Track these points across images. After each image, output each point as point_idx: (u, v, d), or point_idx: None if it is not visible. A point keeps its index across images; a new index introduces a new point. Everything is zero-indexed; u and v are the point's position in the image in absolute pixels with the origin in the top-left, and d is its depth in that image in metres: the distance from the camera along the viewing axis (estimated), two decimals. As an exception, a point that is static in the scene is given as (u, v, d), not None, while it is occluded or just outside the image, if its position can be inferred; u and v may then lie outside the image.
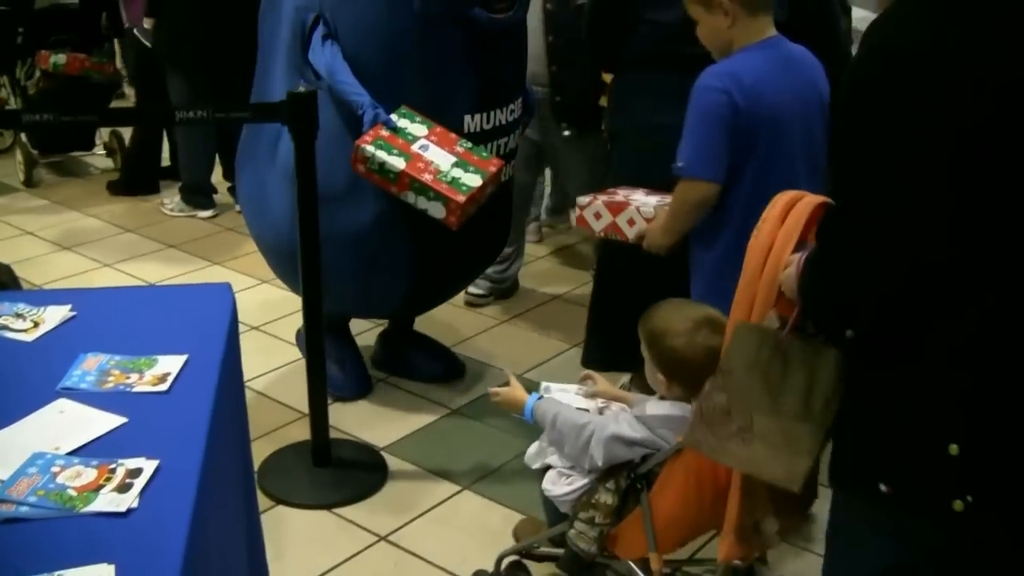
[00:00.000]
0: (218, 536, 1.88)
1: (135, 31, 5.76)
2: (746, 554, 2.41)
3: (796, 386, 1.99)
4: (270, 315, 4.47)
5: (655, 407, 2.48)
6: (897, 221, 1.59)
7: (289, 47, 3.39)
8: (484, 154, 3.32)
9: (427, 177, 3.12)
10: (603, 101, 4.25)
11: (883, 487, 1.71)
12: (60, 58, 6.03)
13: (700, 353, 2.35)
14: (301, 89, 3.06)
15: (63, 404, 1.94)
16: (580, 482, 2.54)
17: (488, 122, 3.45)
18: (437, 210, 3.15)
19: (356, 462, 3.47)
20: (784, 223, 2.05)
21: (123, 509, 1.61)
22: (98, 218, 5.78)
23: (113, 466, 1.72)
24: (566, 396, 2.69)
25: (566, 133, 4.31)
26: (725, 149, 2.75)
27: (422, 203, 3.16)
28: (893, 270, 1.61)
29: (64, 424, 1.87)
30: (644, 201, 3.01)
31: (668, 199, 2.91)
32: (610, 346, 3.57)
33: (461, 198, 3.12)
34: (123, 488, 1.66)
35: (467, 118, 3.39)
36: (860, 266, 1.64)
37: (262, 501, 3.07)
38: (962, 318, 1.62)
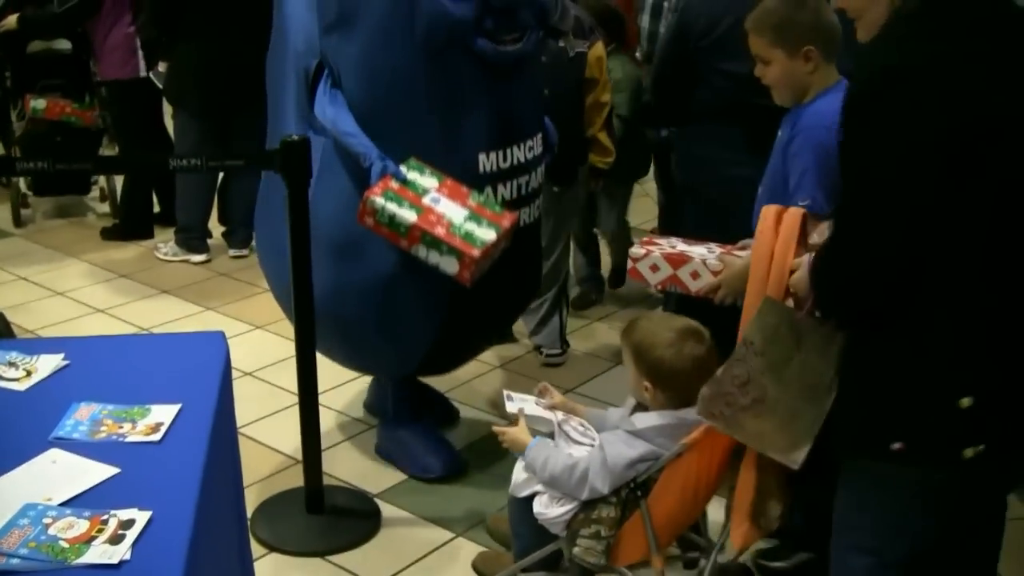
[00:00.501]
0: (211, 587, 1.87)
1: (150, 74, 5.83)
2: (756, 538, 2.55)
3: (807, 365, 2.23)
4: (264, 361, 4.46)
5: (645, 419, 2.56)
6: (899, 211, 1.87)
7: (296, 95, 3.34)
8: (497, 208, 3.21)
9: (440, 231, 3.00)
10: (594, 159, 4.34)
11: (895, 445, 1.97)
12: (40, 103, 6.08)
13: (687, 363, 2.52)
14: (294, 137, 3.06)
15: (55, 454, 1.93)
16: (572, 503, 2.62)
17: (505, 160, 3.33)
18: (449, 265, 3.03)
19: (350, 509, 3.45)
20: (779, 233, 2.28)
21: (115, 561, 1.61)
22: (91, 263, 5.78)
23: (105, 517, 1.71)
24: (528, 406, 2.81)
25: (554, 189, 4.20)
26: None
27: (434, 257, 3.03)
28: (901, 251, 1.90)
29: (56, 474, 1.87)
30: (703, 254, 2.91)
31: (722, 249, 2.86)
32: None
33: (476, 252, 2.99)
34: (115, 540, 1.65)
35: (482, 156, 3.27)
36: (872, 248, 1.91)
37: (255, 549, 3.06)
38: (966, 288, 1.91)
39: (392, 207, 3.01)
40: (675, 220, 3.75)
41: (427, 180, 3.13)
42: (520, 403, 2.82)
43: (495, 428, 2.79)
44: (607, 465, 2.54)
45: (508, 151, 3.33)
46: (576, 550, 2.60)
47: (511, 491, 2.76)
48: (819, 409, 2.24)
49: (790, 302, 2.34)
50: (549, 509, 2.66)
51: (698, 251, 2.90)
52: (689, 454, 2.49)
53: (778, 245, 2.29)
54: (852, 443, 2.09)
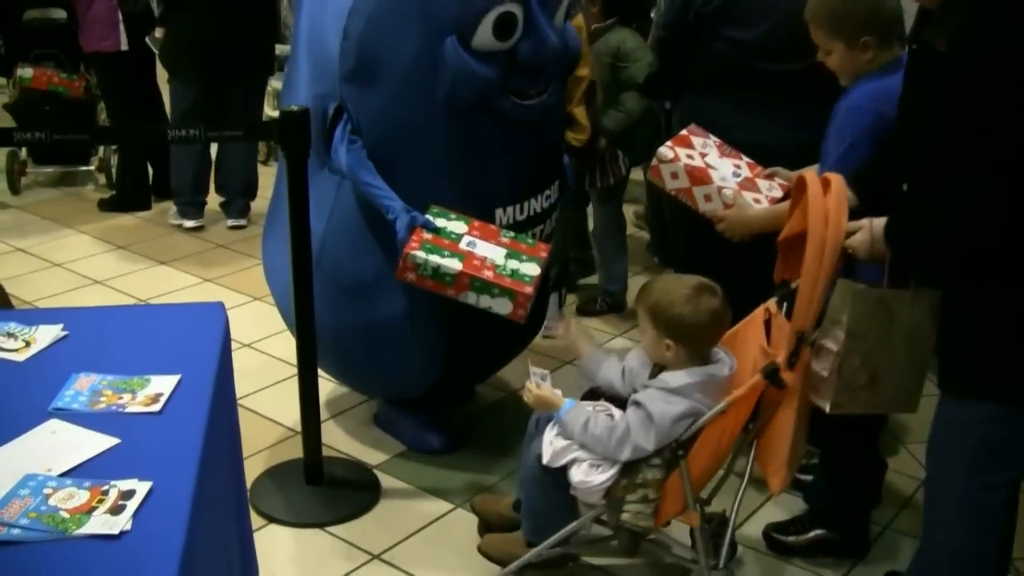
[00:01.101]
0: (211, 557, 1.88)
1: (147, 40, 5.81)
2: (790, 480, 2.68)
3: (905, 328, 2.43)
4: (263, 332, 4.46)
5: (677, 377, 2.62)
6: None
7: (314, 133, 3.17)
8: (529, 240, 3.16)
9: (488, 274, 2.93)
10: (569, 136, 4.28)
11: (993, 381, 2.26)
12: (27, 72, 6.07)
13: (705, 316, 2.60)
14: (293, 108, 3.05)
15: (55, 425, 1.93)
16: (612, 469, 2.63)
17: (522, 213, 3.29)
18: (502, 306, 2.94)
19: (349, 480, 3.46)
20: (829, 197, 2.39)
21: (116, 531, 1.61)
22: (89, 234, 5.77)
23: (106, 488, 1.71)
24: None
25: None
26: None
27: (485, 301, 2.94)
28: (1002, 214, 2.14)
29: (56, 445, 1.87)
30: (725, 177, 3.00)
31: (751, 171, 2.96)
32: None
33: (528, 289, 2.93)
34: (116, 510, 1.66)
35: (499, 211, 3.23)
36: (978, 212, 2.16)
37: (255, 520, 3.06)
38: None
39: (435, 259, 2.92)
40: None
41: (456, 225, 3.06)
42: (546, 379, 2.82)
43: (527, 385, 2.74)
44: (653, 422, 2.57)
45: (526, 204, 3.30)
46: (625, 516, 2.64)
47: (548, 461, 2.70)
48: (926, 354, 2.48)
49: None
50: (591, 476, 2.64)
51: (723, 170, 2.94)
52: (730, 410, 2.59)
53: (832, 211, 2.38)
54: (959, 382, 2.34)
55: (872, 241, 2.40)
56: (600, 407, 2.78)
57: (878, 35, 2.82)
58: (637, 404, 2.63)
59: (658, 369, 2.73)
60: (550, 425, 2.75)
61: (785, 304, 2.70)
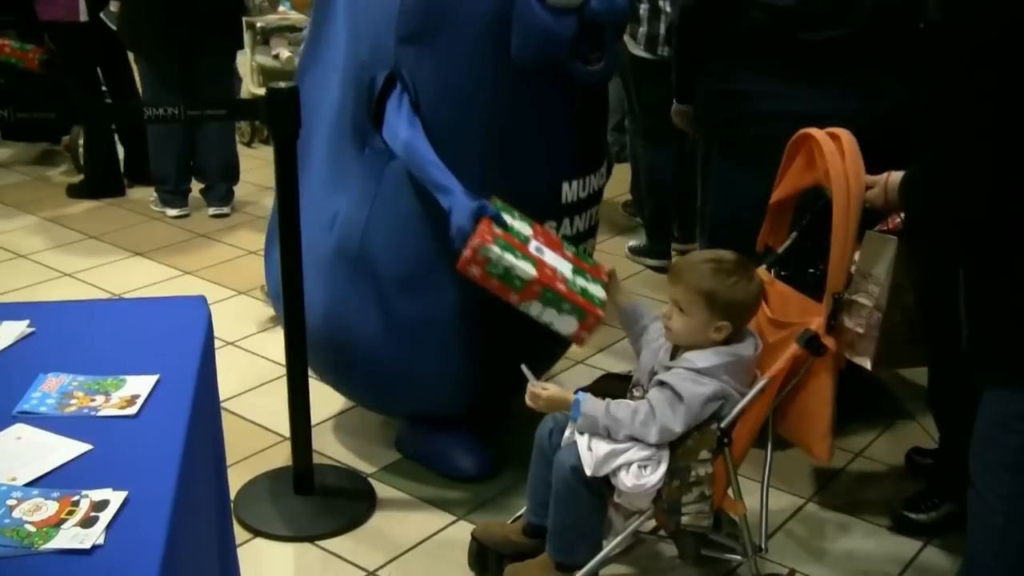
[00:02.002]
0: (191, 573, 1.86)
1: (101, 15, 5.78)
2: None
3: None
4: (247, 329, 4.47)
5: (705, 357, 2.69)
6: None
7: (346, 108, 3.22)
8: (589, 260, 3.15)
9: (561, 287, 2.84)
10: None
11: None
12: None
13: (756, 293, 2.76)
14: (281, 85, 3.04)
15: (20, 430, 1.93)
16: (661, 467, 2.68)
17: (584, 189, 3.29)
18: (567, 324, 2.86)
19: (341, 490, 3.46)
20: (845, 155, 2.60)
21: (88, 546, 1.60)
22: (57, 223, 5.77)
23: (76, 498, 1.70)
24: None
25: None
26: None
27: (549, 316, 2.85)
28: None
29: (22, 452, 1.86)
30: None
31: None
32: None
33: (600, 312, 2.86)
34: (87, 523, 1.64)
35: (565, 186, 3.23)
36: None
37: (239, 533, 3.06)
38: None
39: (508, 258, 2.81)
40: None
41: (521, 225, 3.01)
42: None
43: (530, 388, 2.74)
44: (683, 403, 2.64)
45: (587, 179, 3.31)
46: (685, 519, 2.70)
47: (593, 472, 2.69)
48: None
49: None
50: (642, 479, 2.66)
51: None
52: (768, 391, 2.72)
53: (851, 170, 2.58)
54: (997, 374, 2.38)
55: (886, 195, 2.60)
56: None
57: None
58: (662, 384, 2.68)
59: (682, 350, 2.77)
60: (572, 431, 2.74)
61: (775, 269, 2.96)
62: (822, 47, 3.28)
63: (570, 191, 3.25)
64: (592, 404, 2.69)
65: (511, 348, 3.25)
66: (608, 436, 2.68)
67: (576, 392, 2.74)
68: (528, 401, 2.77)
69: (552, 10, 3.00)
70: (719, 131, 3.62)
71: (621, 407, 2.68)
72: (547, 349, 3.58)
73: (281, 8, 7.38)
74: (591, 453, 2.69)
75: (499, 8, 2.99)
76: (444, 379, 3.40)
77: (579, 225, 3.32)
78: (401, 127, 3.08)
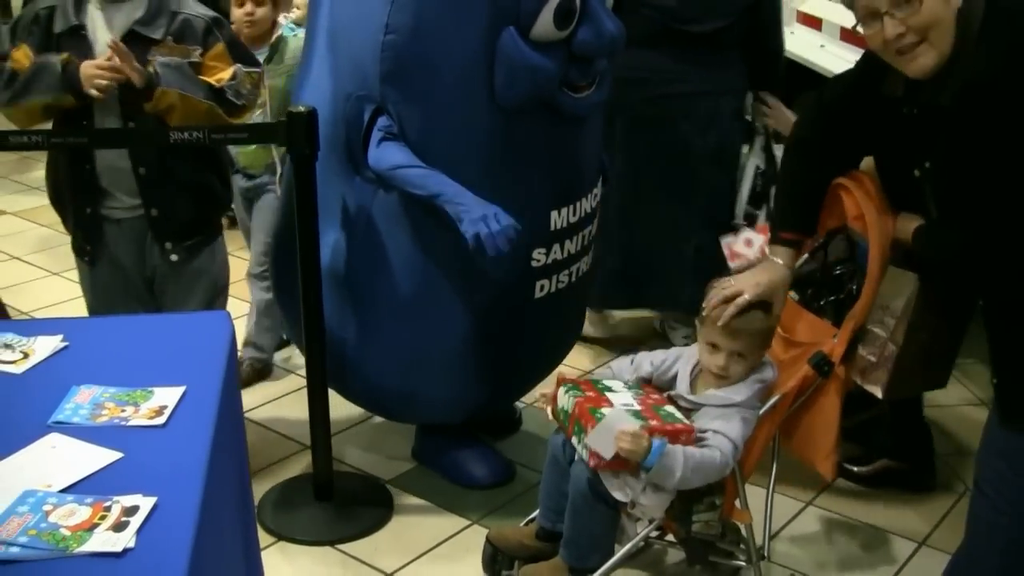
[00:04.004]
0: (217, 575, 1.87)
1: None
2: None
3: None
4: (269, 342, 4.47)
5: (740, 391, 2.73)
6: None
7: (337, 137, 3.12)
8: (673, 420, 2.74)
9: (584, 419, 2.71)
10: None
11: None
12: None
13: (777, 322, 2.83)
14: (301, 108, 3.05)
15: (55, 439, 1.94)
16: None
17: (574, 214, 3.20)
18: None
19: (360, 496, 3.47)
20: (873, 199, 2.67)
21: (119, 549, 1.60)
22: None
23: (108, 504, 1.71)
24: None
25: None
26: None
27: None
28: None
29: (56, 460, 1.87)
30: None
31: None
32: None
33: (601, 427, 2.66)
34: (119, 527, 1.65)
35: (554, 214, 3.14)
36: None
37: (263, 537, 3.06)
38: None
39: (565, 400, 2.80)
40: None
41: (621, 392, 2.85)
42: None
43: (622, 438, 2.58)
44: (738, 447, 2.68)
45: (577, 205, 3.22)
46: (696, 527, 2.74)
47: (654, 517, 2.73)
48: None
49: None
50: (655, 498, 2.67)
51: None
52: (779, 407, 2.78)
53: (884, 215, 2.65)
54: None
55: (895, 233, 2.62)
56: None
57: None
58: (719, 433, 2.67)
59: (718, 381, 2.77)
60: (633, 483, 2.67)
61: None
62: (705, 36, 3.84)
63: (559, 218, 3.17)
64: (671, 457, 2.58)
65: (511, 363, 3.33)
66: (666, 484, 2.64)
67: (654, 442, 2.59)
68: (625, 446, 2.58)
69: (537, 45, 2.91)
70: (624, 112, 3.88)
71: (698, 459, 2.61)
72: (548, 359, 3.58)
73: None
74: (655, 498, 2.68)
75: (482, 47, 2.91)
76: (443, 397, 3.37)
77: (570, 248, 3.25)
78: (389, 151, 2.99)
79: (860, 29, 2.39)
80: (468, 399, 3.40)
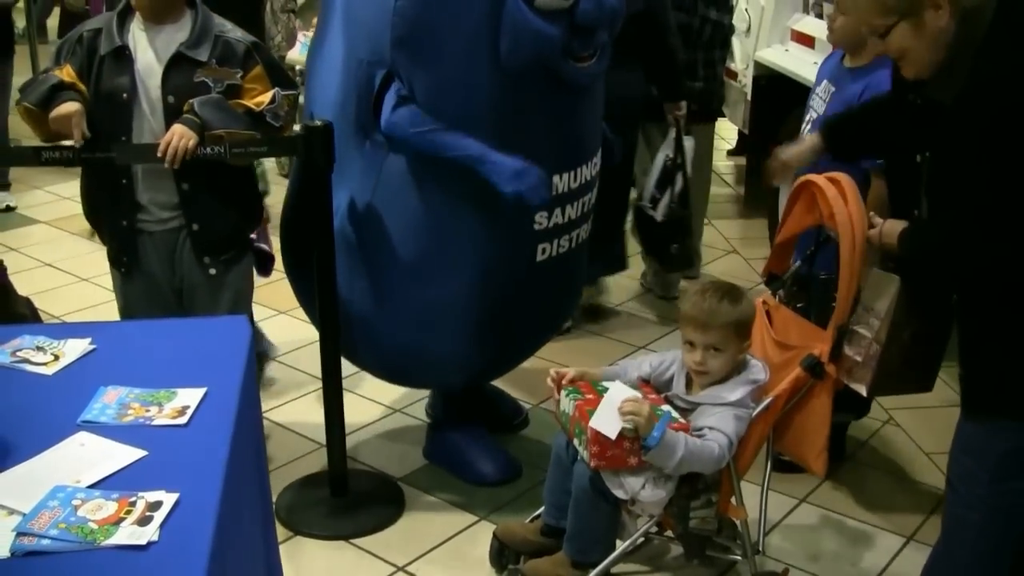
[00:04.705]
0: (237, 568, 1.89)
1: None
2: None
3: (930, 330, 2.64)
4: (288, 346, 4.49)
5: (732, 390, 2.74)
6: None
7: (349, 103, 3.14)
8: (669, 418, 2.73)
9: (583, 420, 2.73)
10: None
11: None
12: None
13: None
14: (317, 122, 3.07)
15: (83, 437, 1.96)
16: (673, 481, 2.72)
17: (575, 180, 3.22)
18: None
19: (373, 492, 3.48)
20: (849, 203, 2.66)
21: (143, 542, 1.63)
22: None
23: (133, 499, 1.73)
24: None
25: None
26: None
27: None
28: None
29: (85, 457, 1.89)
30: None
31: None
32: None
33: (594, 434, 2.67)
34: (143, 521, 1.68)
35: (556, 178, 3.15)
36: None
37: (280, 532, 3.09)
38: None
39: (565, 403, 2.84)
40: None
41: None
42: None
43: (628, 406, 2.61)
44: (733, 444, 2.69)
45: (579, 170, 3.24)
46: (693, 523, 2.77)
47: (654, 515, 2.76)
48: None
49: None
50: (655, 491, 2.69)
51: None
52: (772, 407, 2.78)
53: (855, 215, 2.65)
54: (980, 403, 2.36)
55: (882, 236, 2.58)
56: None
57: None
58: (715, 429, 2.69)
59: (701, 379, 2.79)
60: (632, 481, 2.69)
61: (780, 294, 3.01)
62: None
63: (561, 183, 3.19)
64: (673, 435, 2.61)
65: (513, 324, 3.34)
66: (666, 464, 2.64)
67: (659, 419, 2.62)
68: (630, 408, 2.61)
69: (541, 13, 2.93)
70: None
71: (697, 447, 2.64)
72: (548, 322, 3.60)
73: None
74: (654, 495, 2.70)
75: (488, 13, 2.92)
76: (449, 356, 3.36)
77: (571, 213, 3.26)
78: (404, 114, 3.02)
79: None
80: (473, 358, 3.39)
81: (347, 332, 3.30)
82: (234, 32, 3.20)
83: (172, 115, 3.06)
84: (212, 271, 3.29)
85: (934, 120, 2.38)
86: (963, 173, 2.28)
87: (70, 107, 2.93)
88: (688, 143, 4.72)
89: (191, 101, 3.02)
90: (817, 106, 3.45)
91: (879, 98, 2.94)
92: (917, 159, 2.53)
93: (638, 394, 2.70)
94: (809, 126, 3.45)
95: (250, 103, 3.10)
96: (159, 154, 2.95)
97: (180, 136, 2.94)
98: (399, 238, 3.19)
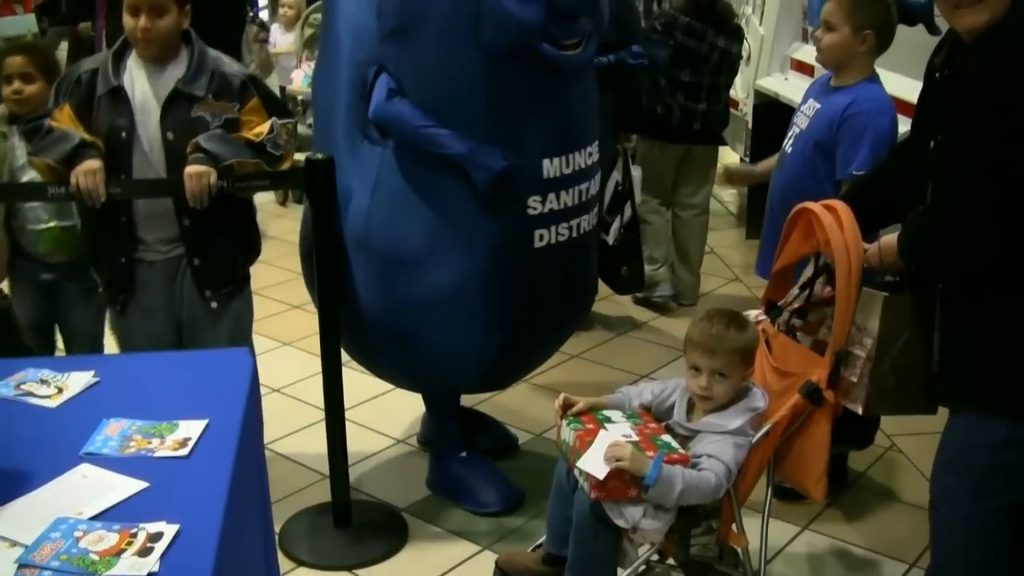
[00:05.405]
0: (238, 599, 1.91)
1: None
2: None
3: (922, 335, 2.60)
4: (292, 377, 4.51)
5: (732, 418, 2.74)
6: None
7: (350, 106, 3.27)
8: (668, 449, 2.73)
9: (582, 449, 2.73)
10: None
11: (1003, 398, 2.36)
12: None
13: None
14: (318, 156, 3.11)
15: (86, 469, 1.98)
16: (675, 509, 2.70)
17: (568, 166, 3.27)
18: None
19: (376, 523, 3.49)
20: (843, 227, 2.68)
21: (144, 573, 1.64)
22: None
23: (134, 530, 1.75)
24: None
25: None
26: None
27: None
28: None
29: (87, 489, 1.91)
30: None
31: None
32: None
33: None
34: (144, 552, 1.69)
35: (546, 162, 3.22)
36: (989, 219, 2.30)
37: (283, 563, 3.09)
38: None
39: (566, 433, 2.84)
40: None
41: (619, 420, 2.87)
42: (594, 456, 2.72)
43: (612, 450, 2.62)
44: (732, 472, 2.69)
45: (570, 157, 3.29)
46: (694, 550, 2.76)
47: (654, 543, 2.76)
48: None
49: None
50: (655, 520, 2.68)
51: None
52: (772, 434, 2.78)
53: (850, 241, 2.67)
54: (975, 399, 2.41)
55: (881, 253, 2.64)
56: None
57: (881, 39, 3.32)
58: (712, 457, 2.69)
59: (699, 408, 2.80)
60: (632, 510, 2.68)
61: (778, 322, 3.01)
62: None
63: (551, 167, 3.23)
64: (670, 470, 2.61)
65: (522, 317, 3.34)
66: (665, 500, 2.64)
67: (654, 458, 2.61)
68: (613, 453, 2.62)
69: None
70: None
71: (695, 478, 2.64)
72: (558, 320, 3.57)
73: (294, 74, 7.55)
74: (655, 523, 2.69)
75: (469, 2, 3.03)
76: (456, 353, 3.37)
77: (566, 200, 3.30)
78: (391, 105, 3.13)
79: None
80: (485, 352, 3.37)
81: (361, 334, 3.38)
82: (231, 66, 3.24)
83: (171, 152, 3.10)
84: (213, 304, 3.31)
85: (957, 95, 2.40)
86: (983, 147, 2.30)
87: (94, 163, 3.00)
88: (635, 172, 4.97)
89: (195, 140, 3.05)
90: (800, 122, 3.50)
91: (899, 144, 2.99)
92: (931, 145, 2.52)
93: (623, 441, 2.67)
94: (791, 141, 3.52)
95: (249, 135, 3.14)
96: (190, 203, 3.01)
97: (198, 176, 2.99)
98: (397, 230, 3.25)
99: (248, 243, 3.43)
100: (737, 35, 5.30)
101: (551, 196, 3.25)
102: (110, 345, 3.71)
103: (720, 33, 5.11)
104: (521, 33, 3.05)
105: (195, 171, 3.00)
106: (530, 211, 3.22)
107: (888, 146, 3.21)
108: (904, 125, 4.18)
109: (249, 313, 3.49)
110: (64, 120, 3.10)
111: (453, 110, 3.12)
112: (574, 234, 3.35)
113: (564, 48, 3.14)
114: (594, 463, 2.64)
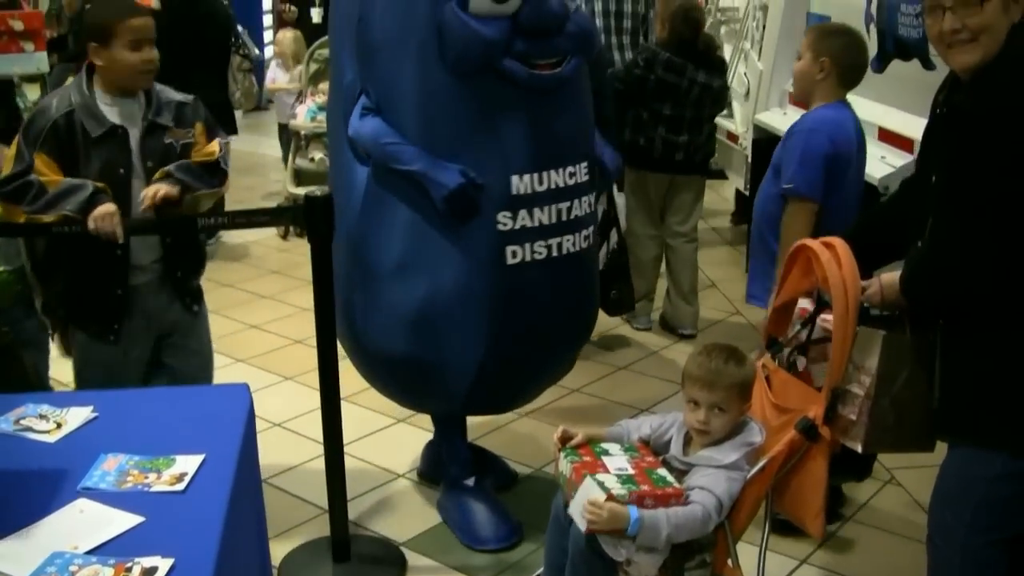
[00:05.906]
0: (233, 633, 1.92)
1: None
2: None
3: (922, 373, 2.60)
4: (291, 412, 4.52)
5: (727, 453, 2.74)
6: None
7: (343, 119, 3.40)
8: (663, 484, 2.69)
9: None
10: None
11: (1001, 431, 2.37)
12: None
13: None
14: (317, 193, 3.15)
15: (83, 504, 2.00)
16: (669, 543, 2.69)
17: (541, 183, 3.25)
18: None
19: (375, 557, 3.49)
20: (841, 264, 2.67)
21: (138, 607, 1.66)
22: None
23: (129, 565, 1.77)
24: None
25: None
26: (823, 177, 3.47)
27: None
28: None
29: (83, 523, 1.93)
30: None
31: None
32: None
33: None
34: (139, 586, 1.71)
35: (515, 178, 3.21)
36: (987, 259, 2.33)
37: (281, 598, 3.09)
38: None
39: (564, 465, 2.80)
40: None
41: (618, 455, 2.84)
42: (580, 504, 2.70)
43: (589, 511, 2.59)
44: (723, 505, 2.69)
45: (544, 175, 3.27)
46: None
47: (645, 573, 2.71)
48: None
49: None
50: (650, 557, 2.67)
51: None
52: (768, 469, 2.78)
53: (848, 278, 2.66)
54: (973, 432, 2.43)
55: (882, 292, 2.66)
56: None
57: (840, 68, 3.46)
58: (703, 489, 2.69)
59: (696, 442, 2.80)
60: (627, 543, 2.64)
61: (779, 357, 2.99)
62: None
63: (521, 184, 3.23)
64: (651, 517, 2.60)
65: (505, 336, 3.35)
66: (655, 544, 2.63)
67: (629, 507, 2.59)
68: (589, 514, 2.60)
69: (477, 17, 3.10)
70: None
71: (682, 515, 2.63)
72: (548, 344, 3.53)
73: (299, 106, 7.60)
74: (648, 558, 2.68)
75: (432, 23, 3.13)
76: (437, 366, 3.38)
77: (541, 217, 3.28)
78: (365, 122, 3.27)
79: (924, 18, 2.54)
80: (469, 369, 3.36)
81: (352, 340, 3.50)
82: (176, 94, 3.39)
83: (152, 181, 3.23)
84: (195, 308, 3.53)
85: (953, 131, 2.44)
86: (977, 183, 2.34)
87: (110, 207, 3.08)
88: (619, 199, 5.12)
89: (165, 169, 3.20)
90: (775, 152, 3.64)
91: (904, 181, 3.05)
92: (932, 179, 2.55)
93: (601, 498, 2.61)
94: (769, 172, 3.65)
95: (204, 155, 3.32)
96: (142, 207, 3.15)
97: (158, 188, 3.14)
98: (380, 244, 3.34)
99: (202, 251, 3.66)
100: (720, 69, 5.47)
101: (522, 213, 3.25)
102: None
103: (700, 68, 5.28)
104: (485, 51, 3.12)
105: (155, 185, 3.16)
106: (499, 227, 3.24)
107: (822, 163, 3.41)
108: (891, 155, 4.27)
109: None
110: (45, 171, 3.12)
111: (421, 127, 3.23)
112: (555, 253, 3.33)
113: (539, 67, 3.18)
114: (578, 513, 2.65)
